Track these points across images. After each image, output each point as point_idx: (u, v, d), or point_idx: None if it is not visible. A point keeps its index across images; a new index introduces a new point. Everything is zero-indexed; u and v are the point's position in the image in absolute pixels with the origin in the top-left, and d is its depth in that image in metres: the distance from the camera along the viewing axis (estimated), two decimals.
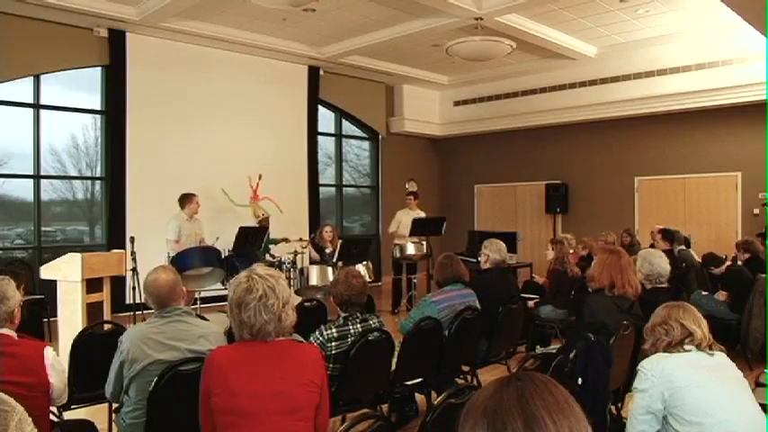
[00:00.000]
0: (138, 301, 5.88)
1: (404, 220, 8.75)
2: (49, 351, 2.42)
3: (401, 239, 8.50)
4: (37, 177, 7.83)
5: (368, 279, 6.02)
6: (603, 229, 7.78)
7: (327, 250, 7.49)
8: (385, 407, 3.74)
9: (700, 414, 2.17)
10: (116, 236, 7.96)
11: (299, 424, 2.07)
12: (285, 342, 2.16)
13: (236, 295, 2.13)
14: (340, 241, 7.36)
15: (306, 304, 4.34)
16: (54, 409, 2.80)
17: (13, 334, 2.44)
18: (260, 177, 8.74)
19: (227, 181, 8.74)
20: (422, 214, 8.79)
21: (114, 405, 2.90)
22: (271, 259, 7.57)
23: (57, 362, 2.46)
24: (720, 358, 2.36)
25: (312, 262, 7.50)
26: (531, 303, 5.66)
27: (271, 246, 7.96)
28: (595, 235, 7.59)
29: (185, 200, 7.01)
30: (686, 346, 2.34)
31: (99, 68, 8.25)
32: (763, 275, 5.35)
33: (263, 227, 7.86)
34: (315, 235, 7.74)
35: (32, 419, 1.43)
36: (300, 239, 7.86)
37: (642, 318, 3.52)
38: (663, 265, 3.89)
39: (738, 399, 2.24)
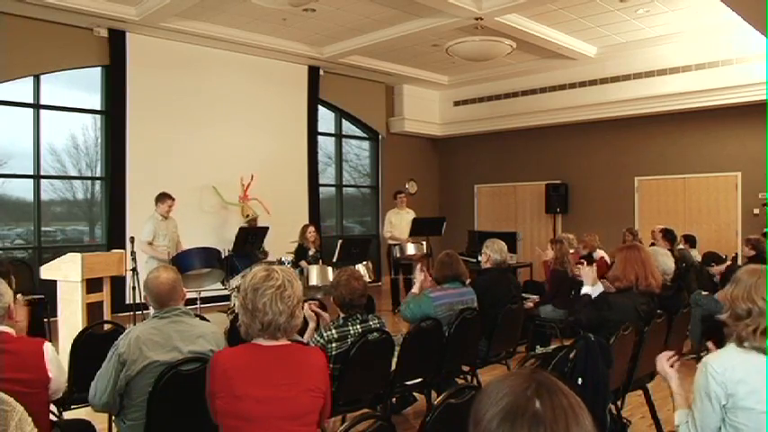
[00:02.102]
0: (138, 301, 5.88)
1: (394, 220, 8.76)
2: (48, 347, 2.40)
3: (397, 241, 8.50)
4: (37, 177, 7.83)
5: (368, 279, 6.04)
6: (604, 229, 7.78)
7: (310, 252, 7.44)
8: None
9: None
10: (116, 236, 7.97)
11: (303, 429, 2.06)
12: (291, 346, 2.15)
13: (254, 281, 2.10)
14: (340, 242, 7.35)
15: (305, 306, 4.34)
16: (54, 408, 2.80)
17: (12, 331, 2.41)
18: (252, 177, 8.75)
19: (227, 181, 8.76)
20: (411, 213, 8.80)
21: None
22: (270, 259, 7.57)
23: (56, 357, 2.44)
24: None
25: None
26: (529, 304, 5.64)
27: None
28: (583, 235, 7.56)
29: (158, 199, 6.77)
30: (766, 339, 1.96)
31: (99, 68, 8.25)
32: None
33: (260, 228, 7.84)
34: (301, 239, 7.65)
35: (32, 417, 1.43)
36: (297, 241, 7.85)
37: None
38: (668, 263, 3.93)
39: None
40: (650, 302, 3.54)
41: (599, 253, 7.16)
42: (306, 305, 3.35)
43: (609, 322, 3.36)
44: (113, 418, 2.88)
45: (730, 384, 1.91)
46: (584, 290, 3.77)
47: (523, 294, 5.44)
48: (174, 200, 6.84)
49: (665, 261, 3.91)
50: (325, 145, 10.96)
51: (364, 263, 7.00)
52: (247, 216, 8.52)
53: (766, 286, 2.00)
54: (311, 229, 7.68)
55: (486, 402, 1.01)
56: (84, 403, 3.18)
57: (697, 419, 2.01)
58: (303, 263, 7.10)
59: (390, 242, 8.69)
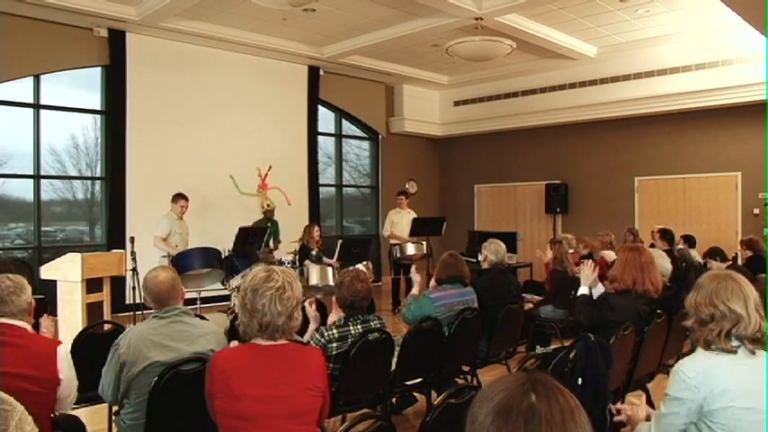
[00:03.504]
0: (138, 301, 5.88)
1: (395, 219, 8.80)
2: (62, 348, 2.43)
3: (398, 240, 8.51)
4: (37, 177, 7.83)
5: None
6: (603, 229, 7.77)
7: (314, 252, 7.43)
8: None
9: (736, 430, 1.96)
10: (116, 236, 7.96)
11: (302, 428, 2.07)
12: (289, 346, 2.16)
13: (254, 282, 2.11)
14: (340, 241, 7.35)
15: (306, 304, 4.34)
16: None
17: (29, 327, 2.45)
18: (269, 168, 8.75)
19: (226, 181, 8.74)
20: (413, 213, 8.81)
21: (114, 407, 2.89)
22: (270, 257, 7.59)
23: (69, 360, 2.46)
24: (761, 359, 2.05)
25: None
26: (528, 305, 5.65)
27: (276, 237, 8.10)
28: (595, 234, 7.59)
29: (174, 199, 7.13)
30: (733, 342, 2.03)
31: (99, 68, 8.25)
32: (764, 275, 5.35)
33: (259, 228, 7.83)
34: (304, 239, 7.66)
35: (37, 416, 1.43)
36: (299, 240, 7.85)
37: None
38: (665, 264, 3.93)
39: None
40: (651, 303, 3.53)
41: (600, 252, 7.14)
42: (307, 304, 3.36)
43: (609, 323, 3.36)
44: (113, 417, 2.88)
45: (702, 388, 1.97)
46: (581, 290, 3.76)
47: (524, 294, 5.44)
48: (187, 200, 7.13)
49: (661, 263, 3.91)
50: (326, 145, 10.96)
51: (364, 263, 7.00)
52: (267, 206, 8.44)
53: (728, 289, 2.06)
54: (317, 229, 7.68)
55: (482, 400, 1.00)
56: (84, 403, 3.19)
57: (662, 423, 2.08)
58: (307, 261, 7.09)
59: (391, 241, 8.70)
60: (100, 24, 7.87)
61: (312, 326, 3.31)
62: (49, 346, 2.41)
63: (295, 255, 7.37)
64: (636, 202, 10.12)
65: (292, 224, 8.65)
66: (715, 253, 6.56)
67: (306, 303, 3.40)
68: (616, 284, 3.56)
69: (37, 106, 7.79)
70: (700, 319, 2.11)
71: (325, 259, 7.38)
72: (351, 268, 3.60)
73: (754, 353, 2.02)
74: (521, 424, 0.94)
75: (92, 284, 5.34)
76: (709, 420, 1.99)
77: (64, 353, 2.42)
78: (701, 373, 2.00)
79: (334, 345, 3.14)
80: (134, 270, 6.30)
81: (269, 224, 8.14)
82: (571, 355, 2.95)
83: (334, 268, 6.69)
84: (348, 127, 11.40)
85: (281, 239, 8.17)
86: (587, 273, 3.75)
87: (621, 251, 3.75)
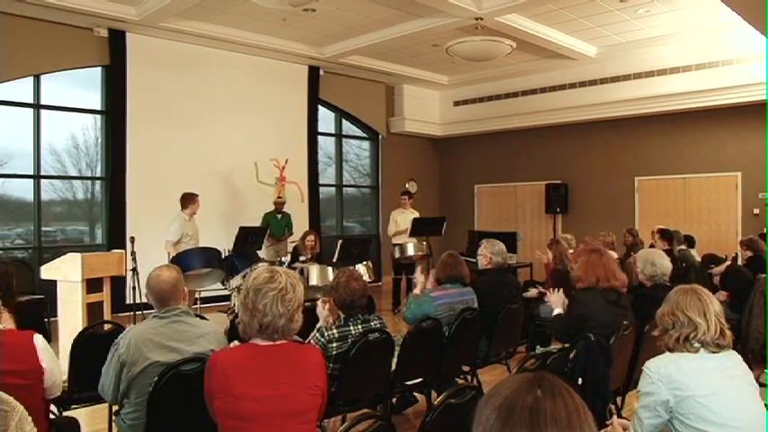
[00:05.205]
0: (138, 301, 5.88)
1: (399, 219, 8.82)
2: (38, 338, 2.40)
3: (401, 239, 8.52)
4: (37, 177, 7.83)
5: (368, 279, 6.05)
6: (603, 230, 7.78)
7: (302, 258, 7.42)
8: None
9: (706, 422, 2.10)
10: (116, 236, 7.96)
11: (302, 427, 2.07)
12: (288, 345, 2.16)
13: (257, 282, 2.11)
14: (340, 241, 7.35)
15: (306, 304, 4.33)
16: (53, 408, 2.80)
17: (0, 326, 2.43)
18: (287, 161, 8.83)
19: (226, 180, 8.76)
20: (416, 213, 8.82)
21: (114, 407, 2.89)
22: (283, 246, 7.68)
23: (48, 348, 2.43)
24: (725, 357, 2.25)
25: None
26: (533, 292, 5.72)
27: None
28: (596, 235, 7.59)
29: (188, 200, 6.98)
30: (694, 344, 2.23)
31: (99, 68, 8.25)
32: (764, 275, 5.35)
33: (259, 228, 7.84)
34: (300, 244, 7.69)
35: (30, 410, 1.43)
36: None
37: (630, 309, 3.61)
38: (665, 264, 3.94)
39: (744, 403, 2.15)
40: (620, 295, 3.59)
41: None
42: (320, 303, 3.37)
43: (583, 317, 3.39)
44: (113, 417, 2.88)
45: (665, 381, 2.19)
46: (555, 311, 3.85)
47: (524, 295, 5.45)
48: (198, 196, 7.05)
49: (662, 263, 3.93)
50: (326, 145, 10.96)
51: (364, 263, 6.99)
52: (278, 198, 8.50)
53: (687, 300, 2.29)
54: (310, 237, 7.64)
55: (487, 400, 1.01)
56: (84, 403, 3.20)
57: (636, 417, 2.27)
58: (298, 264, 7.10)
59: (394, 241, 8.69)
60: (100, 24, 7.87)
61: (320, 323, 3.32)
62: (24, 338, 2.38)
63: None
64: (636, 202, 10.12)
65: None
66: (710, 260, 6.62)
67: (319, 302, 3.41)
68: (581, 284, 3.63)
69: (37, 106, 7.79)
70: (663, 327, 2.34)
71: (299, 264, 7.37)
72: (344, 269, 3.60)
73: (716, 352, 2.23)
74: (525, 415, 0.94)
75: (92, 284, 5.33)
76: (680, 415, 2.16)
77: (42, 342, 2.40)
78: (662, 367, 2.21)
79: (335, 345, 3.14)
80: (134, 270, 6.30)
81: (279, 216, 8.27)
82: (571, 356, 2.96)
83: (334, 266, 6.67)
84: (348, 127, 11.40)
85: (294, 232, 8.30)
86: (557, 299, 3.83)
87: (583, 253, 3.91)
